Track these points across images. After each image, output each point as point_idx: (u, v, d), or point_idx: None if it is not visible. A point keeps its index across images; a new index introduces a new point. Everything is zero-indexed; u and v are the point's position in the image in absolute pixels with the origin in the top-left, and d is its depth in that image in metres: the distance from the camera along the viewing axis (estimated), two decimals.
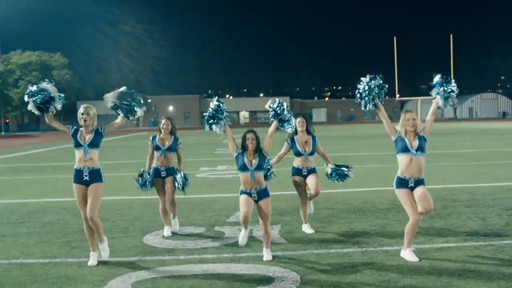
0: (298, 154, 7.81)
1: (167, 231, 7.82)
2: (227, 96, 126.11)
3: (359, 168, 15.74)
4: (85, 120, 6.39)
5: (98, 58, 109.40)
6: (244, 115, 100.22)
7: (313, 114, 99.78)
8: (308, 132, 7.87)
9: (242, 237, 6.51)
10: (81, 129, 6.44)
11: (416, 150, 6.14)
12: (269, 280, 5.58)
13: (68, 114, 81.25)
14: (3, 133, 69.70)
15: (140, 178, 7.86)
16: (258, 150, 6.43)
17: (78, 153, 6.37)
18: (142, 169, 8.00)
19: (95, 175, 6.37)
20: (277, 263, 6.20)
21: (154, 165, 7.96)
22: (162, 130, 8.01)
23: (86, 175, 6.34)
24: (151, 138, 8.07)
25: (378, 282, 5.44)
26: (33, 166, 20.10)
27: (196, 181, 13.23)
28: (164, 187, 7.92)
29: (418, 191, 6.14)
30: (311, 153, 7.80)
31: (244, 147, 6.42)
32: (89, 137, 6.38)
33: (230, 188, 12.32)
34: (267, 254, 6.37)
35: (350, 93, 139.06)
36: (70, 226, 8.51)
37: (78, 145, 6.36)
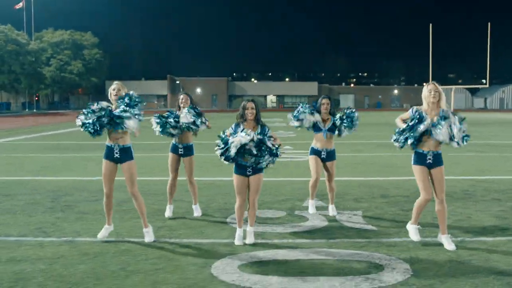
0: (317, 129, 7.80)
1: (168, 211, 7.73)
2: (252, 80, 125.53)
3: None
4: (116, 95, 6.32)
5: (127, 38, 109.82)
6: (271, 99, 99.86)
7: (340, 100, 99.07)
8: (331, 114, 7.87)
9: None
10: (111, 106, 6.33)
11: (436, 124, 6.05)
12: (378, 267, 5.45)
13: (98, 93, 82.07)
14: (34, 110, 70.44)
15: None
16: (258, 121, 6.26)
17: (109, 131, 6.30)
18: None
19: (126, 153, 6.33)
20: (378, 249, 6.06)
21: (172, 141, 7.76)
22: (181, 106, 7.73)
23: (116, 153, 6.31)
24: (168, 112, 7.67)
25: (492, 272, 5.27)
26: (79, 144, 20.18)
27: None
28: (179, 166, 7.74)
29: (437, 177, 6.17)
30: (330, 130, 7.77)
31: (243, 117, 6.24)
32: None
33: (294, 172, 12.21)
34: (250, 236, 6.30)
35: (376, 80, 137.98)
36: (149, 206, 8.44)
37: None
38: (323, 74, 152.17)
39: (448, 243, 6.13)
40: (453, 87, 57.30)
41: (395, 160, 14.76)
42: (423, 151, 6.22)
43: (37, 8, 72.47)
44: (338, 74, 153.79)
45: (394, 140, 6.40)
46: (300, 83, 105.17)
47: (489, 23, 53.41)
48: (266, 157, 6.11)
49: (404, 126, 6.28)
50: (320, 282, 5.02)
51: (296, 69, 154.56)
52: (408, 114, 6.35)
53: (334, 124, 7.79)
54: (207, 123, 7.69)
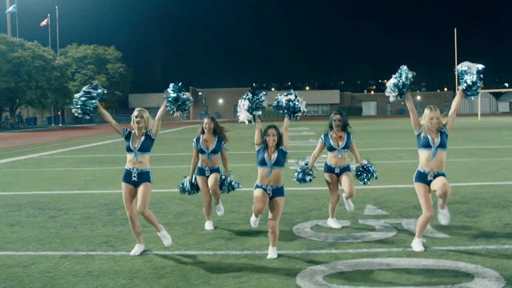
0: (330, 148, 7.60)
1: (208, 226, 7.68)
2: (272, 89, 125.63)
3: (459, 162, 15.31)
4: (138, 122, 6.42)
5: (149, 51, 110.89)
6: None
7: (363, 107, 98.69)
8: (344, 129, 7.63)
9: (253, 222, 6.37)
10: (133, 132, 6.48)
11: (438, 147, 6.23)
12: (467, 276, 5.27)
13: (121, 106, 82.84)
14: (60, 124, 71.24)
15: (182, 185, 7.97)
16: (278, 147, 6.22)
17: (129, 156, 6.42)
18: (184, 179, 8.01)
19: (144, 177, 6.38)
20: (459, 257, 5.88)
21: (199, 165, 7.75)
22: (205, 130, 7.73)
23: (134, 176, 6.37)
24: (195, 140, 7.77)
25: None
26: (115, 157, 20.24)
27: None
28: (208, 182, 7.68)
29: (437, 179, 6.20)
30: (344, 148, 7.57)
31: (265, 143, 6.22)
32: (139, 142, 6.38)
33: None
34: (272, 252, 6.12)
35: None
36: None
37: (129, 149, 6.41)
38: (342, 82, 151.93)
39: (417, 246, 6.25)
40: (480, 91, 56.41)
41: None
42: (424, 171, 6.31)
43: (61, 24, 73.60)
44: (358, 82, 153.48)
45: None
46: (322, 91, 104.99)
47: None
48: None
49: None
50: None
51: (316, 78, 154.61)
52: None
53: (347, 142, 7.60)
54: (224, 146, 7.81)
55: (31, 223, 8.31)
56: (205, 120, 7.80)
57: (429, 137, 6.26)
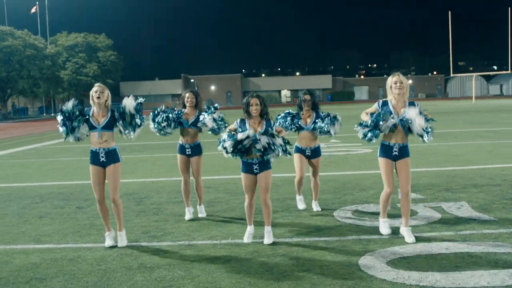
0: (299, 128, 7.47)
1: (188, 214, 7.48)
2: (262, 75, 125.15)
3: (472, 144, 15.26)
4: (98, 98, 6.15)
5: (139, 39, 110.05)
6: (285, 94, 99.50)
7: (355, 92, 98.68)
8: (314, 108, 7.48)
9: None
10: (93, 108, 6.21)
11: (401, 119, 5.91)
12: None
13: (113, 95, 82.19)
14: (52, 114, 70.45)
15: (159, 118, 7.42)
16: (264, 116, 6.02)
17: (93, 136, 6.18)
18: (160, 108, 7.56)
19: (112, 156, 6.20)
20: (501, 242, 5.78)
21: (180, 141, 7.50)
22: (187, 104, 7.47)
23: (102, 156, 6.18)
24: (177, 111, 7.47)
25: None
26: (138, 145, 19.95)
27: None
28: (189, 167, 7.50)
29: (402, 169, 5.99)
30: (314, 128, 7.41)
31: (248, 113, 6.01)
32: (103, 120, 6.16)
33: (362, 166, 11.96)
34: (269, 236, 6.09)
35: (386, 71, 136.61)
36: (234, 203, 8.20)
37: (92, 127, 6.16)
38: (332, 67, 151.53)
39: (408, 236, 5.93)
40: (474, 74, 56.50)
41: (454, 150, 14.48)
42: (389, 143, 6.05)
43: (50, 11, 72.50)
44: (348, 67, 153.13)
45: (363, 136, 6.08)
46: (314, 76, 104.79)
47: (509, 8, 52.67)
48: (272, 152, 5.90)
49: (369, 120, 5.98)
50: (490, 275, 4.73)
51: (306, 63, 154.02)
52: (374, 107, 6.09)
53: (316, 122, 7.42)
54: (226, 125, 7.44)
55: (60, 214, 8.12)
56: (187, 95, 7.49)
57: (391, 106, 5.96)
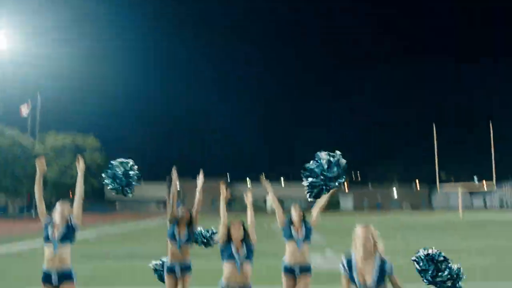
0: (289, 236, 6.82)
1: None
2: (247, 179, 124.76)
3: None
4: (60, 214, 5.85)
5: (126, 139, 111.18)
6: (271, 204, 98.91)
7: (340, 200, 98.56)
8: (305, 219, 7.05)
9: None
10: (53, 219, 5.86)
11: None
12: None
13: (96, 197, 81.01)
14: (33, 215, 68.97)
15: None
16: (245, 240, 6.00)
17: (47, 249, 5.69)
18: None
19: (66, 276, 5.65)
20: None
21: (167, 262, 7.10)
22: (179, 220, 7.37)
23: (54, 279, 5.61)
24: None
25: None
26: (125, 252, 19.21)
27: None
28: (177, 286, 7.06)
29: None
30: (306, 239, 6.81)
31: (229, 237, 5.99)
32: (60, 232, 5.74)
33: None
34: None
35: (370, 181, 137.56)
36: None
37: (47, 238, 5.74)
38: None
39: None
40: (459, 187, 56.88)
41: None
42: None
43: (42, 108, 73.13)
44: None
45: None
46: (298, 184, 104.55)
47: (490, 121, 54.31)
48: None
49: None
50: None
51: (290, 169, 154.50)
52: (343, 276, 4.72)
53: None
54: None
55: None
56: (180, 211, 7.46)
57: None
